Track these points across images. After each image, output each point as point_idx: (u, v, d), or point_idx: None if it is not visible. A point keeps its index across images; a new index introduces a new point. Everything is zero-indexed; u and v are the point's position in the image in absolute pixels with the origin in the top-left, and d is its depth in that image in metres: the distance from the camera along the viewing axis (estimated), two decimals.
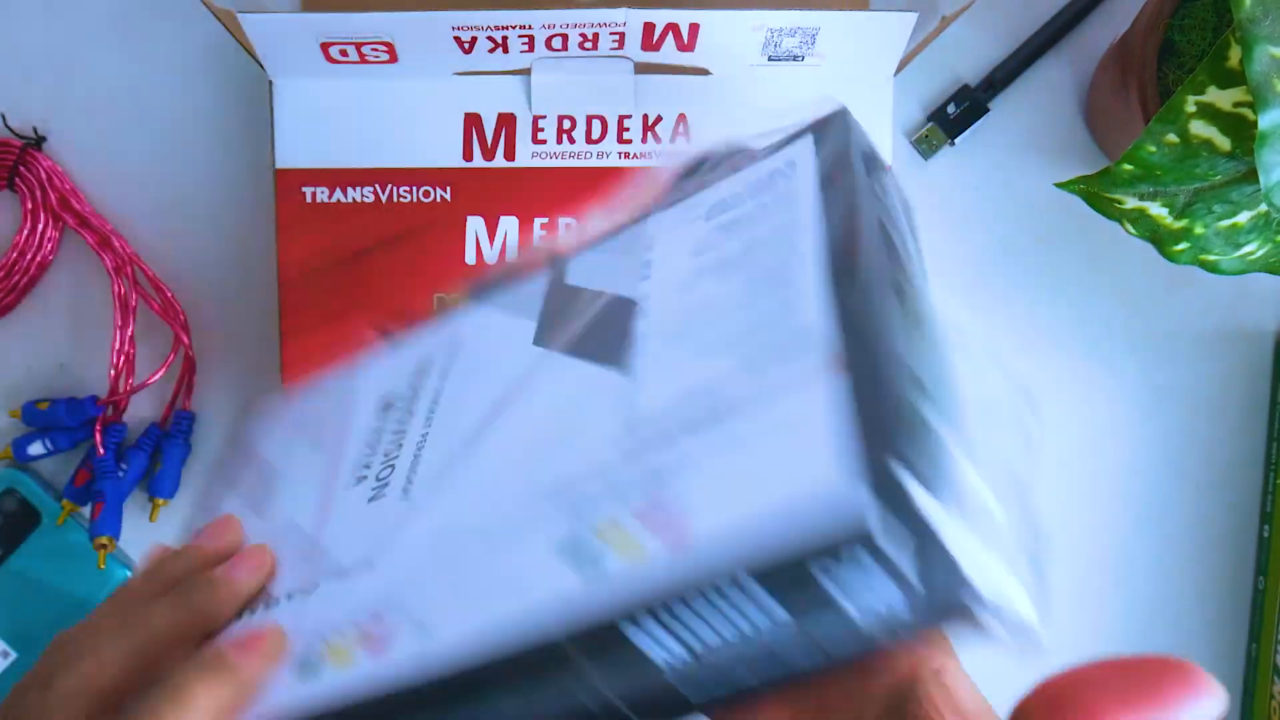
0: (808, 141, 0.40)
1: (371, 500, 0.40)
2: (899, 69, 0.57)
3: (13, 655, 0.59)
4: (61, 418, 0.60)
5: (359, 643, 0.34)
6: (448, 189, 0.57)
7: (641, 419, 0.32)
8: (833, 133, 0.40)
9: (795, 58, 0.56)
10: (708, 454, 0.30)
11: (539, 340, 0.40)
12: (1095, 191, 0.46)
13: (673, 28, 0.54)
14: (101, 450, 0.60)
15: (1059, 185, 0.47)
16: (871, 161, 0.40)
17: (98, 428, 0.60)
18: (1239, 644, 0.62)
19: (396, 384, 0.45)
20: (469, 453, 0.38)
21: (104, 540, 0.58)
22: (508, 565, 0.32)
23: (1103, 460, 0.63)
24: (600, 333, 0.38)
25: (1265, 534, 0.62)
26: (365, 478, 0.41)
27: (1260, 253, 0.47)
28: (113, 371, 0.60)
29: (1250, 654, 0.62)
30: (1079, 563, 0.63)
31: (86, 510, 0.60)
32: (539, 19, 0.52)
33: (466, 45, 0.54)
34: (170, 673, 0.34)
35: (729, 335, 0.33)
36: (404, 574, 0.35)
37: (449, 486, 0.38)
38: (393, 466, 0.40)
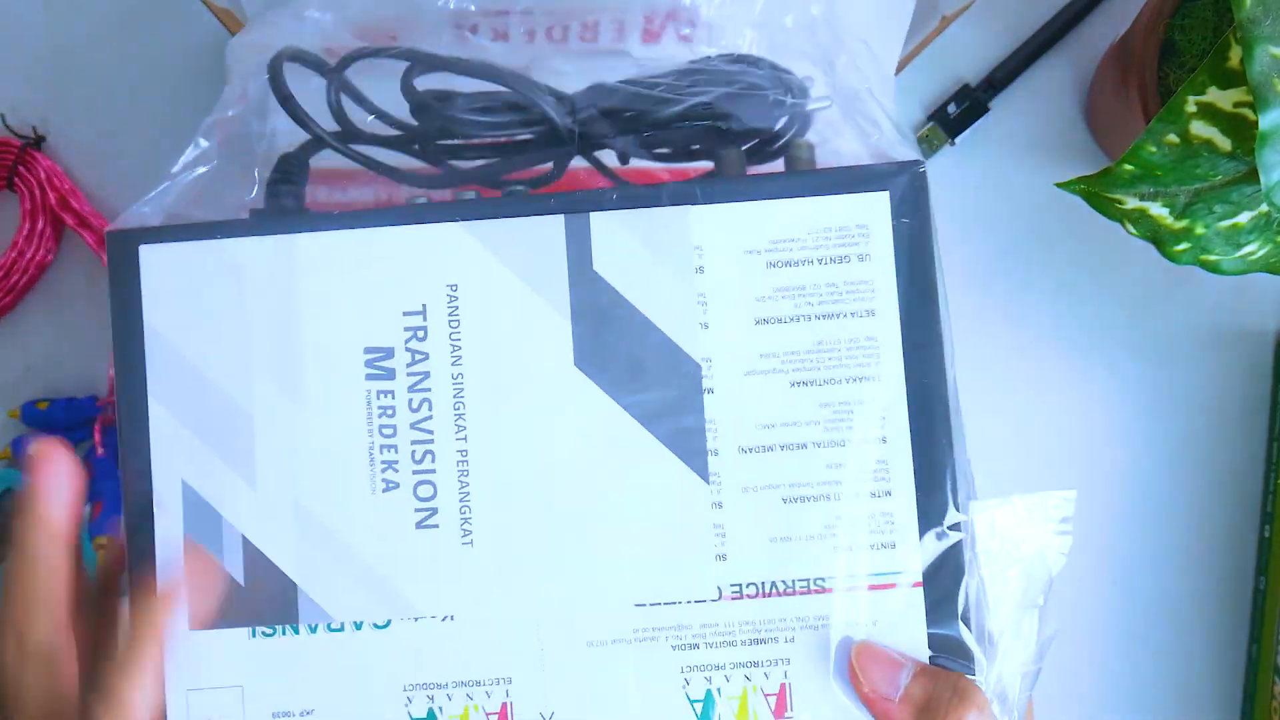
0: (883, 204, 0.41)
1: (421, 527, 0.40)
2: (899, 69, 0.57)
3: None
4: (61, 418, 0.60)
5: (477, 711, 0.40)
6: None
7: (740, 562, 0.40)
8: (911, 208, 0.41)
9: None
10: (818, 655, 0.40)
11: (580, 363, 0.41)
12: (1096, 191, 0.46)
13: (672, 17, 0.53)
14: (101, 450, 0.59)
15: (1060, 185, 0.47)
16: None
17: (97, 428, 0.60)
18: (1239, 644, 0.62)
19: (377, 327, 0.41)
20: (542, 517, 0.40)
21: (103, 540, 0.58)
22: (642, 700, 0.40)
23: (1103, 460, 0.63)
24: (670, 406, 0.41)
25: (1265, 534, 0.62)
26: (397, 485, 0.40)
27: (1261, 253, 0.47)
28: (112, 371, 0.60)
29: (1250, 654, 0.62)
30: (1079, 563, 0.63)
31: (86, 510, 0.60)
32: (541, 4, 0.52)
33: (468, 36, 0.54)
34: None
35: (813, 490, 0.40)
36: (508, 653, 0.40)
37: (528, 553, 0.40)
38: (433, 486, 0.40)
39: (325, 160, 0.44)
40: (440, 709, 0.40)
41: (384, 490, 0.40)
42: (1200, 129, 0.44)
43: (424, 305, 0.41)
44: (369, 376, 0.41)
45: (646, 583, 0.40)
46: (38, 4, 0.62)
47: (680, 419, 0.40)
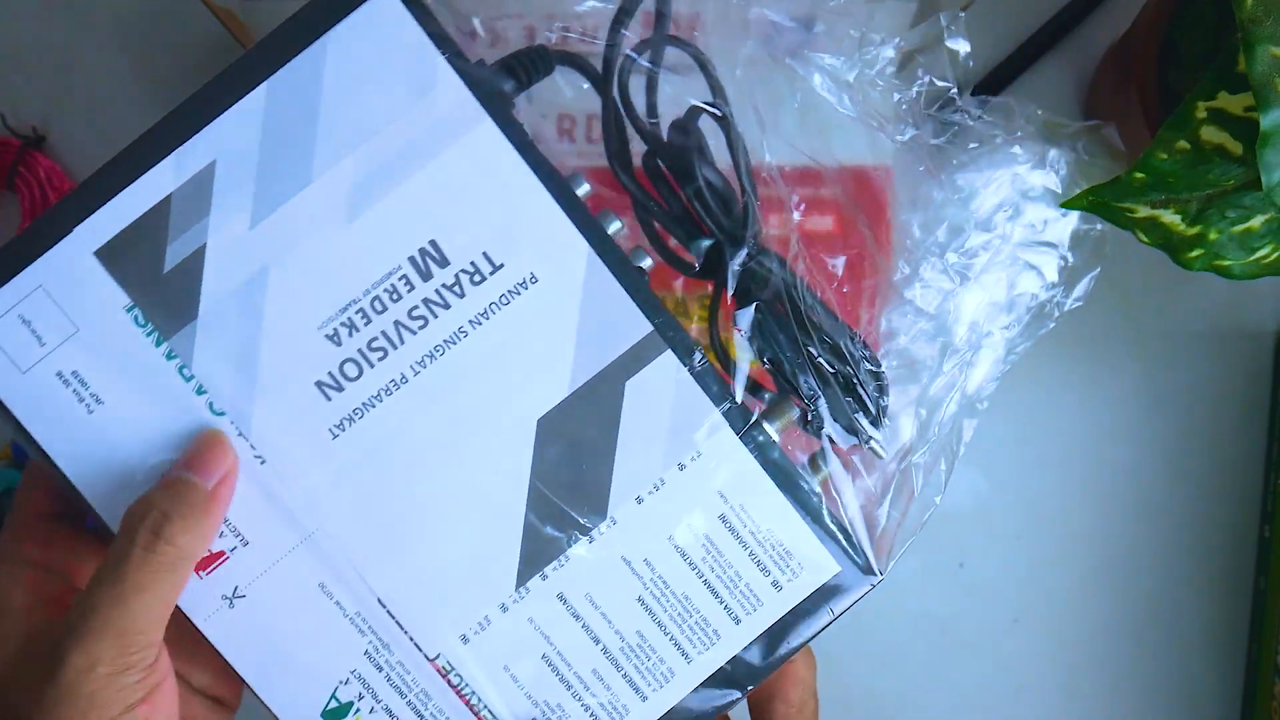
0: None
1: (320, 386, 0.40)
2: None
3: None
4: None
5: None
6: None
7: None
8: None
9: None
10: None
11: (541, 425, 0.41)
12: (1106, 202, 0.46)
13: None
14: None
15: (1065, 205, 0.47)
16: None
17: None
18: (1239, 644, 0.63)
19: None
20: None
21: None
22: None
23: (1103, 460, 0.63)
24: (557, 522, 0.42)
25: (1265, 534, 0.62)
26: (339, 342, 0.40)
27: (1274, 256, 0.46)
28: None
29: (1250, 654, 0.62)
30: (1079, 563, 0.63)
31: None
32: (538, 8, 0.52)
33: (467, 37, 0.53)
34: None
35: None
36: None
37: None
38: (359, 368, 0.40)
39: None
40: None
41: (327, 337, 0.39)
42: (1211, 134, 0.44)
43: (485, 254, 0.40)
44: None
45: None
46: (38, 4, 0.62)
47: (552, 534, 0.41)
